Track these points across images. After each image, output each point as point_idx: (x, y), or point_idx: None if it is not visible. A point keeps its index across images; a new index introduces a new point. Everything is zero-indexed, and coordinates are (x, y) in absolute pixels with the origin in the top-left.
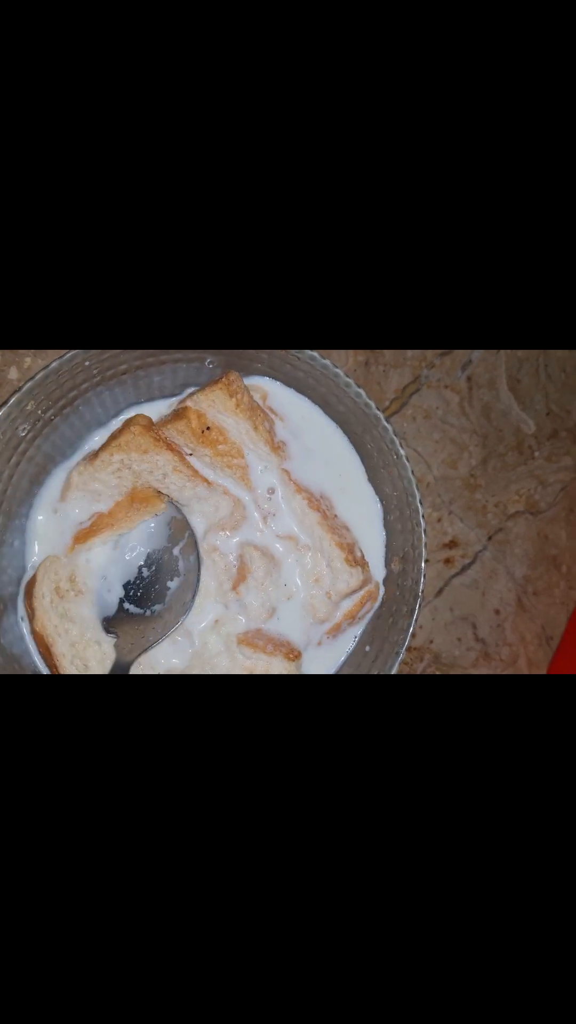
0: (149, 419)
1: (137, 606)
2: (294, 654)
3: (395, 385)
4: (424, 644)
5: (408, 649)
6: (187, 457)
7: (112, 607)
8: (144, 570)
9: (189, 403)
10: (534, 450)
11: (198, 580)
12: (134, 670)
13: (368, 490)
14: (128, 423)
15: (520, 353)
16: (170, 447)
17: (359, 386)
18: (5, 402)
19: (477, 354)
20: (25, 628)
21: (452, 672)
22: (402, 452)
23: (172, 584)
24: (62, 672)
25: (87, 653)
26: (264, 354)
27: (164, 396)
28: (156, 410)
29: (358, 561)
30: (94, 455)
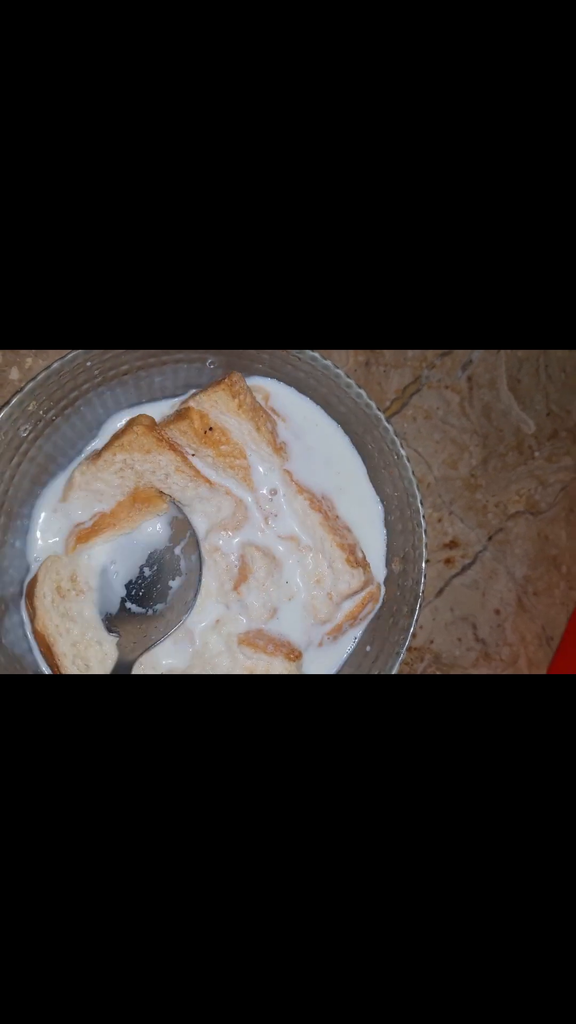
0: (152, 419)
1: (139, 605)
2: (295, 654)
3: (396, 385)
4: (424, 644)
5: (408, 649)
6: (189, 458)
7: (114, 607)
8: (146, 569)
9: (192, 404)
10: (534, 450)
11: (200, 579)
12: (135, 670)
13: (369, 490)
14: (131, 423)
15: (520, 353)
16: (173, 447)
17: (360, 386)
18: (7, 402)
19: (477, 354)
20: (27, 628)
21: (452, 672)
22: (403, 452)
23: (174, 583)
24: (63, 672)
25: (88, 653)
26: (265, 355)
27: (165, 397)
28: (157, 411)
29: (359, 562)
30: (97, 455)
